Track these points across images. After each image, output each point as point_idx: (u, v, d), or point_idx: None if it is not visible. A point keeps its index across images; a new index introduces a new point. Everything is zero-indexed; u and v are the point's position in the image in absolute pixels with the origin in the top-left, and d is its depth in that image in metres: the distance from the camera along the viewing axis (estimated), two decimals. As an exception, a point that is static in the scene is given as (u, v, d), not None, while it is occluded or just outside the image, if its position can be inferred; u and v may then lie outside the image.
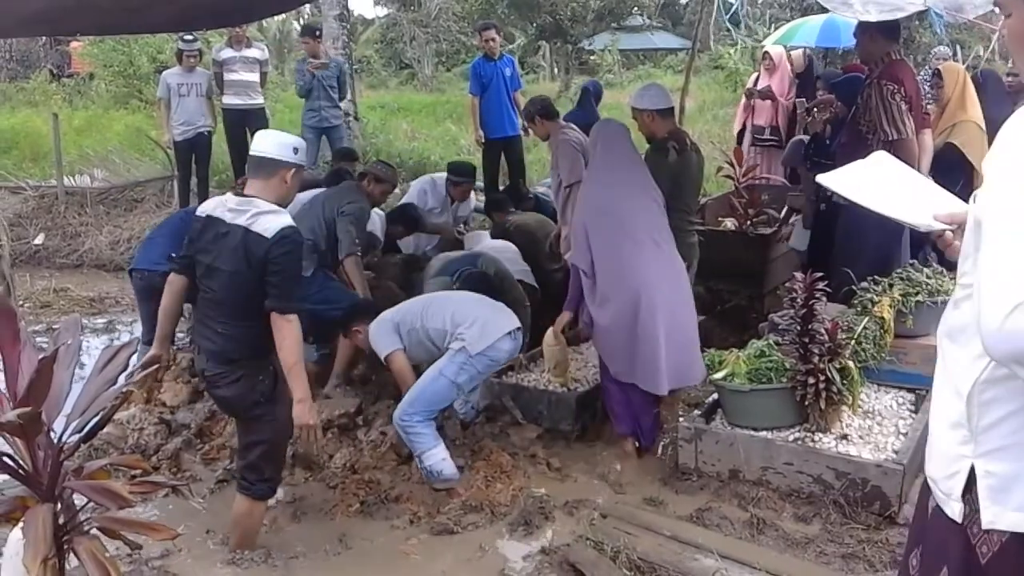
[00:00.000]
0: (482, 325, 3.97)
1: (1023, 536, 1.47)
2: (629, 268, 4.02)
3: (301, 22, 26.58)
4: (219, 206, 3.29)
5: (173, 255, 3.62)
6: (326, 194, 5.25)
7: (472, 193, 6.97)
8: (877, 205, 1.90)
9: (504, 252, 5.44)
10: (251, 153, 3.30)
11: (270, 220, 3.15)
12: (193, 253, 3.35)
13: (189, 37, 8.85)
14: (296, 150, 3.28)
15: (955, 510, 1.56)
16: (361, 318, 4.32)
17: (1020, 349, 1.30)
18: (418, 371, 4.07)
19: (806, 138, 5.97)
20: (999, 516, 1.48)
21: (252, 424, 3.34)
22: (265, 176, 3.24)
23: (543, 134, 5.85)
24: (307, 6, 14.50)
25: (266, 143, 3.27)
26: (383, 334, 4.10)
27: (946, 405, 1.58)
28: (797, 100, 7.43)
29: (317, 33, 8.91)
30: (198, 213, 3.42)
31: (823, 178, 2.05)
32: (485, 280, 4.83)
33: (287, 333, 3.15)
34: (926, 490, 1.69)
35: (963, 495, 1.54)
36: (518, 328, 4.12)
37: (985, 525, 1.50)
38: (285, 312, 3.15)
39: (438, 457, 3.85)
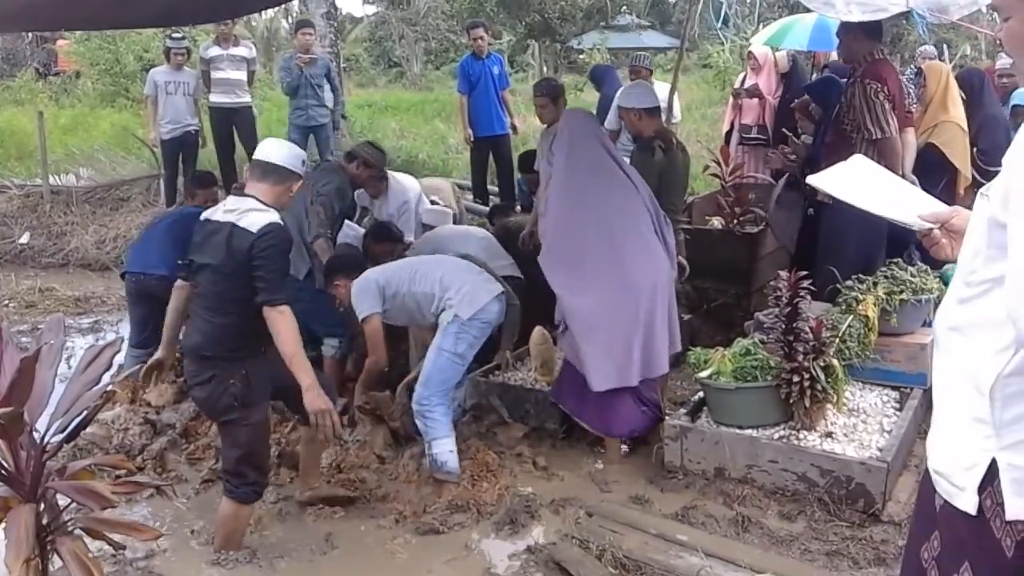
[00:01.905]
0: (469, 290, 4.01)
1: None
2: (620, 273, 4.00)
3: (289, 20, 26.54)
4: (216, 210, 3.37)
5: (181, 261, 3.64)
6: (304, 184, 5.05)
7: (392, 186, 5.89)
8: (870, 205, 1.95)
9: (483, 241, 5.26)
10: (260, 159, 3.36)
11: (257, 217, 3.22)
12: (191, 255, 3.41)
13: (177, 35, 8.82)
14: (304, 163, 3.40)
15: (969, 503, 1.57)
16: (345, 272, 4.30)
17: None
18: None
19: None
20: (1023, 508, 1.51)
21: (227, 428, 3.34)
22: (273, 183, 3.33)
23: (552, 118, 5.66)
24: (295, 3, 14.45)
25: (280, 152, 3.37)
26: (366, 295, 4.09)
27: (962, 399, 1.59)
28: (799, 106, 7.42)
29: (313, 27, 8.94)
30: (203, 217, 3.46)
31: (814, 179, 2.08)
32: None
33: (282, 325, 3.18)
34: (929, 483, 1.70)
35: (980, 488, 1.55)
36: (502, 292, 4.15)
37: (1010, 517, 1.52)
38: (276, 304, 3.17)
39: (447, 448, 3.89)
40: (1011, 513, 1.52)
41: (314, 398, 3.21)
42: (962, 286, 1.59)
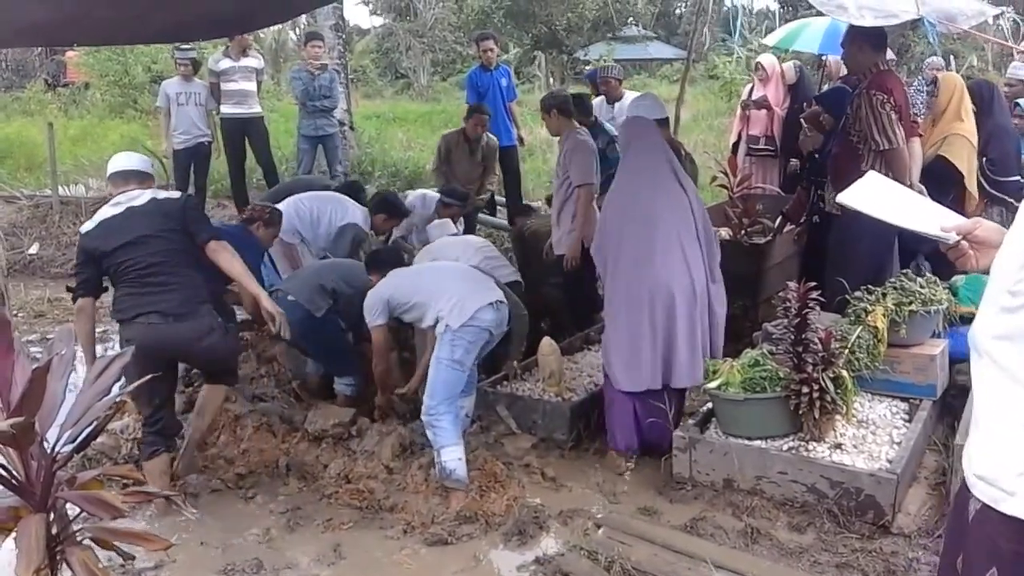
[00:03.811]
0: (459, 300, 4.08)
1: None
2: (647, 270, 4.01)
3: (297, 31, 26.65)
4: (105, 211, 3.89)
5: (69, 286, 4.09)
6: (347, 266, 5.14)
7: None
8: (901, 220, 1.96)
9: (482, 251, 5.31)
10: (126, 168, 4.01)
11: (166, 192, 4.03)
12: (100, 256, 3.81)
13: (185, 46, 8.87)
14: (152, 165, 4.34)
15: (1019, 508, 1.57)
16: (379, 267, 4.63)
17: None
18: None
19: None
20: None
21: (225, 345, 4.04)
22: (139, 182, 3.99)
23: (556, 129, 5.77)
24: (303, 16, 14.53)
25: (135, 160, 4.13)
26: (374, 307, 4.35)
27: (1014, 406, 1.59)
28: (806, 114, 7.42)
29: (323, 39, 9.00)
30: (87, 230, 3.91)
31: (843, 197, 2.09)
32: None
33: (228, 253, 3.92)
34: (964, 494, 1.70)
35: None
36: (500, 300, 4.21)
37: None
38: (219, 239, 3.93)
39: (455, 456, 3.91)
40: None
41: (269, 304, 4.02)
42: (1006, 295, 1.59)
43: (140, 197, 3.87)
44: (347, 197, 6.17)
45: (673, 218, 4.10)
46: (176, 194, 4.02)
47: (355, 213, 5.87)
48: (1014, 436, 1.59)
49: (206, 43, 12.39)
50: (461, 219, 6.60)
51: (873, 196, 2.07)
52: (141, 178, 4.01)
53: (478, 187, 7.54)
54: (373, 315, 4.33)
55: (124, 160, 4.09)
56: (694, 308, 4.08)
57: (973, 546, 1.68)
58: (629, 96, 7.34)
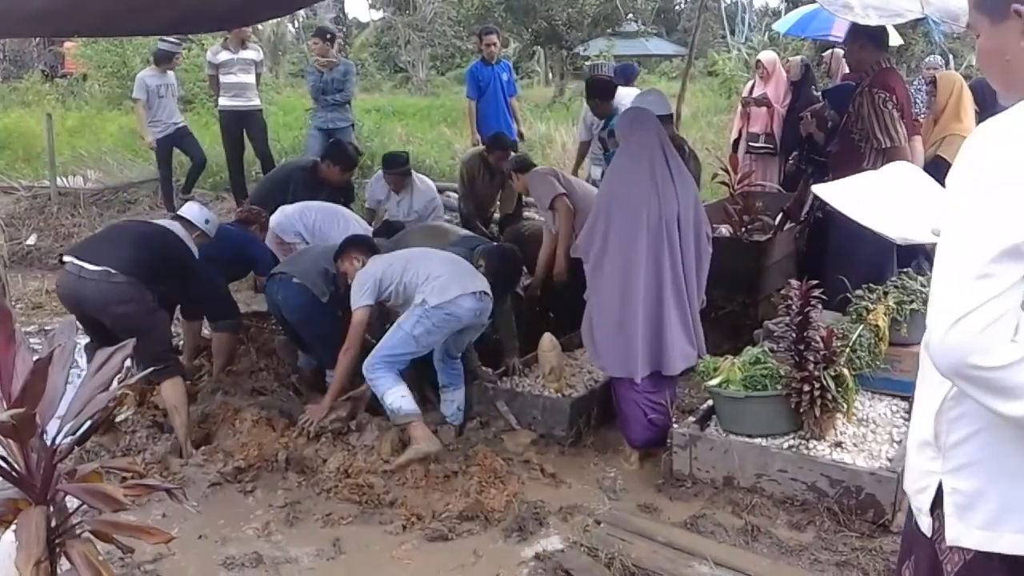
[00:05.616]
0: (445, 281, 4.17)
1: (986, 554, 1.48)
2: (631, 261, 3.98)
3: (295, 24, 26.61)
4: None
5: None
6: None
7: (417, 185, 6.47)
8: (860, 216, 1.96)
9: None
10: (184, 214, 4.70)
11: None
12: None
13: (172, 39, 8.91)
14: (207, 221, 4.76)
15: (925, 524, 1.57)
16: (362, 248, 4.62)
17: (959, 362, 1.34)
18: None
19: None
20: (963, 534, 1.49)
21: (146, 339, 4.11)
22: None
23: (522, 188, 6.00)
24: (303, 9, 14.49)
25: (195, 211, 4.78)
26: (363, 288, 4.33)
27: (919, 420, 1.59)
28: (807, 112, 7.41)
29: (328, 36, 8.84)
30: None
31: (818, 188, 2.09)
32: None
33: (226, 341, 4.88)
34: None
35: (932, 510, 1.55)
36: (485, 292, 4.27)
37: (949, 542, 1.51)
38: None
39: (397, 394, 4.09)
40: (951, 538, 1.51)
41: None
42: None
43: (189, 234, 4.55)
44: (347, 210, 6.10)
45: (658, 211, 4.04)
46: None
47: (356, 227, 5.82)
48: (917, 451, 1.60)
49: (205, 35, 12.34)
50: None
51: (854, 190, 2.07)
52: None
53: (495, 203, 7.42)
54: (362, 294, 4.31)
55: (186, 209, 4.81)
56: (680, 296, 4.05)
57: (918, 556, 1.68)
58: (622, 92, 7.30)
